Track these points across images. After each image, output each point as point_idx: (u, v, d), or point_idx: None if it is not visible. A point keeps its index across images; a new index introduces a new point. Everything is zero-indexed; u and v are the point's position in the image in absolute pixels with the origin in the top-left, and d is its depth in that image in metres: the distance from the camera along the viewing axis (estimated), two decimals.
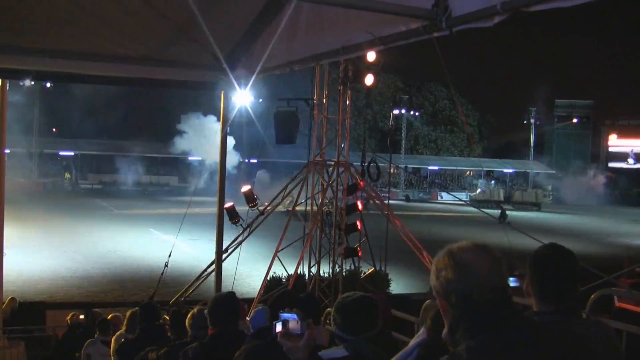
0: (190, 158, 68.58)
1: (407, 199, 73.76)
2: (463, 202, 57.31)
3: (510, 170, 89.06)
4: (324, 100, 17.66)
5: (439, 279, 2.21)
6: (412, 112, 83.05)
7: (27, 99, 64.83)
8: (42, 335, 14.01)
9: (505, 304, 2.15)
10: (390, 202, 20.41)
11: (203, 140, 60.37)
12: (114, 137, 76.06)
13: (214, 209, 10.20)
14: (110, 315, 10.65)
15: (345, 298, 3.25)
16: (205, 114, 61.11)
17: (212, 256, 12.95)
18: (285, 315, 3.32)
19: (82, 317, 12.74)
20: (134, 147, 73.59)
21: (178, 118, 65.71)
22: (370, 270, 18.57)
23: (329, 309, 5.27)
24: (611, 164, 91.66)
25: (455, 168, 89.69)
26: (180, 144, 64.95)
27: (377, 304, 3.36)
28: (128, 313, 8.35)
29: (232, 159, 55.55)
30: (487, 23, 4.42)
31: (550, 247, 3.08)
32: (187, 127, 64.22)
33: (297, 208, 18.30)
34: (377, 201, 18.75)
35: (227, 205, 15.84)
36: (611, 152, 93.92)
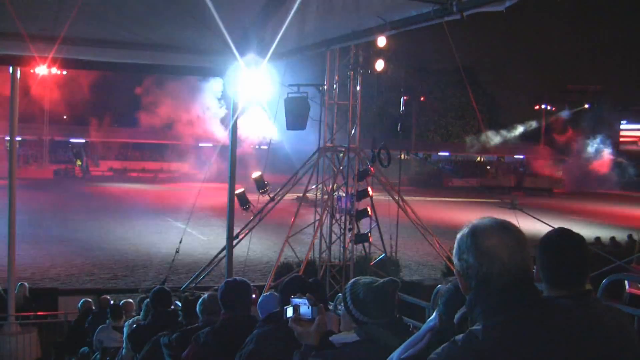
0: (200, 144, 68.51)
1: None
2: (475, 187, 57.07)
3: (521, 156, 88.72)
4: (335, 85, 17.60)
5: (461, 260, 2.23)
6: (422, 99, 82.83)
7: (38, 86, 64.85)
8: (55, 322, 14.09)
9: (524, 285, 2.16)
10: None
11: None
12: (124, 124, 76.20)
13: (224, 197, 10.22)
14: (122, 301, 10.71)
15: (372, 282, 3.22)
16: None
17: (223, 242, 12.98)
18: (297, 300, 3.32)
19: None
20: (143, 134, 73.75)
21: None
22: (380, 256, 18.56)
23: (339, 294, 5.27)
24: (622, 147, 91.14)
25: (465, 154, 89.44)
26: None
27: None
28: (139, 299, 8.40)
29: None
30: (499, 7, 4.40)
31: (560, 232, 3.06)
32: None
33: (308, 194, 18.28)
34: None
35: (238, 191, 15.84)
36: (622, 138, 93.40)
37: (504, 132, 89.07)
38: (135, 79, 66.58)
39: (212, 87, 55.84)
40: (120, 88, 69.89)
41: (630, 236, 24.23)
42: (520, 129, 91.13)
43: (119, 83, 68.41)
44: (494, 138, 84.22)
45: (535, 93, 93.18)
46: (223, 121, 59.77)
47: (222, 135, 60.37)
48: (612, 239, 23.96)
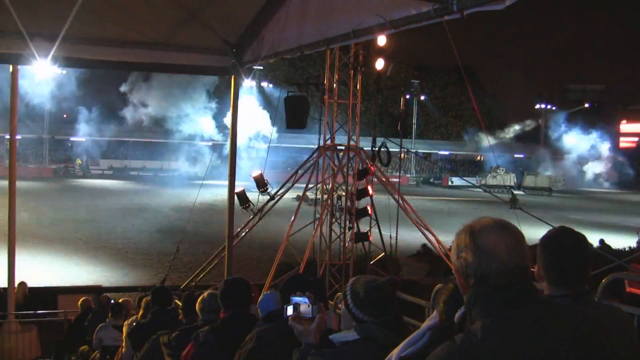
0: (200, 143, 68.49)
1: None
2: (475, 187, 57.04)
3: (521, 155, 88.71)
4: (335, 84, 17.58)
5: (459, 259, 2.22)
6: (422, 97, 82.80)
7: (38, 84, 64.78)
8: (55, 320, 14.09)
9: (523, 284, 2.15)
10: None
11: None
12: (124, 122, 76.15)
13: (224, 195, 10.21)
14: (120, 300, 10.70)
15: (372, 281, 3.22)
16: None
17: (222, 241, 12.98)
18: (297, 298, 3.32)
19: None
20: (143, 133, 73.67)
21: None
22: (380, 255, 18.55)
23: (339, 292, 5.26)
24: (622, 146, 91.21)
25: (465, 153, 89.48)
26: None
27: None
28: (138, 298, 8.39)
29: None
30: (499, 6, 4.39)
31: (561, 231, 3.05)
32: None
33: (308, 193, 18.26)
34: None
35: (238, 190, 15.82)
36: (622, 138, 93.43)
37: (503, 131, 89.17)
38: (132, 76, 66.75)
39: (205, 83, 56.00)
40: (118, 86, 69.91)
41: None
42: (519, 128, 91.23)
43: (118, 81, 68.39)
44: (493, 137, 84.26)
45: (535, 92, 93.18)
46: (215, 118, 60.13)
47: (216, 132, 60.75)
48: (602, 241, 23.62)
